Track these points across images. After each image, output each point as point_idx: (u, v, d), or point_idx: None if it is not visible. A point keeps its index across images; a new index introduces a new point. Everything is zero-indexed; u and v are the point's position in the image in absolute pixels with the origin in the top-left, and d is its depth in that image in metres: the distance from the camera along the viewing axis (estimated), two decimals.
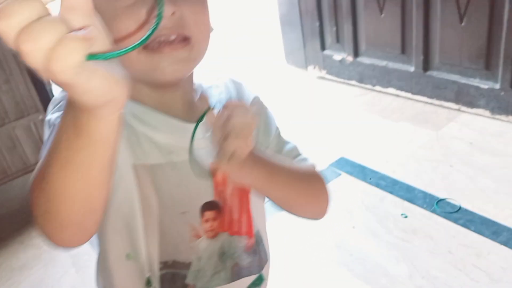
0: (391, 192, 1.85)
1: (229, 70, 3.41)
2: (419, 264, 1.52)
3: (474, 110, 2.23)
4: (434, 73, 2.33)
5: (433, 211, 1.72)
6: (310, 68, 3.00)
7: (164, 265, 0.67)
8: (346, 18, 2.62)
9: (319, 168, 0.77)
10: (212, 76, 0.75)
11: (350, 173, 2.02)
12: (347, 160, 2.11)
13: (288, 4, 2.98)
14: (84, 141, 0.40)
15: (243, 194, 0.72)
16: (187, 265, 0.68)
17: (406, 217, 1.72)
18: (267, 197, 0.70)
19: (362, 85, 2.71)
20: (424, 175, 1.91)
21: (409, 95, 2.48)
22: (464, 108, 2.26)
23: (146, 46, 0.56)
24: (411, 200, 1.79)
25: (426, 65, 2.35)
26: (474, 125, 2.17)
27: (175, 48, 0.58)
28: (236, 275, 0.73)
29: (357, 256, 1.60)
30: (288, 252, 1.67)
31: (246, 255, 0.73)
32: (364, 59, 2.64)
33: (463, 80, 2.22)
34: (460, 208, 1.71)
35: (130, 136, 0.62)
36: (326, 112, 2.56)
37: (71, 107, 0.39)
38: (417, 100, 2.45)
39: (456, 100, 2.27)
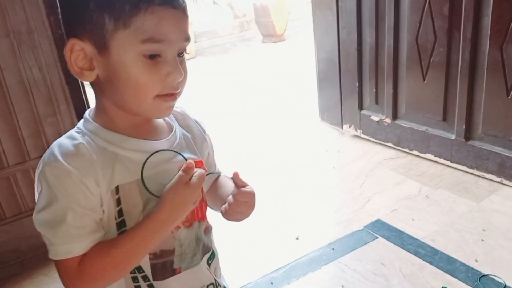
0: (430, 263, 1.78)
1: (260, 122, 3.43)
2: None
3: None
4: (476, 143, 2.29)
5: (476, 287, 1.64)
6: (346, 126, 3.00)
7: (154, 255, 0.82)
8: (387, 80, 2.63)
9: None
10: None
11: (387, 238, 1.96)
12: (384, 223, 2.06)
13: (328, 62, 3.01)
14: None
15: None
16: (172, 252, 0.84)
17: None
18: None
19: (399, 148, 2.68)
20: (466, 247, 1.84)
21: (448, 162, 2.44)
22: (506, 182, 2.21)
23: (157, 95, 0.77)
24: (452, 273, 1.72)
25: (468, 134, 2.32)
26: None
27: (173, 99, 0.79)
28: (204, 253, 0.90)
29: None
30: None
31: (205, 236, 0.91)
32: (403, 122, 2.63)
33: (507, 152, 2.17)
34: (505, 286, 1.63)
35: (114, 162, 0.77)
36: (361, 172, 2.52)
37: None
38: (456, 169, 2.40)
39: (499, 173, 2.22)
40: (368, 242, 1.95)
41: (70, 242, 0.73)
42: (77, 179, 0.72)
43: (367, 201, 2.25)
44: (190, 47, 5.79)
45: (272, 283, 1.78)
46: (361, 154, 2.74)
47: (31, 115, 1.93)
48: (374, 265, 1.81)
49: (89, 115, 0.82)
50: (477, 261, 1.76)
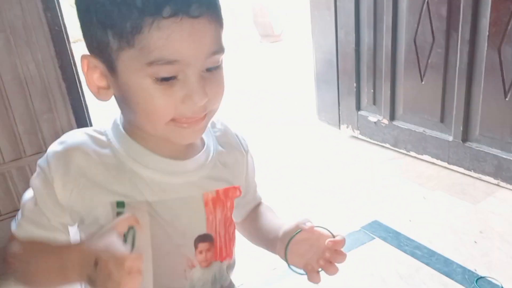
0: (427, 264, 1.78)
1: (260, 124, 3.42)
2: None
3: None
4: (473, 145, 2.29)
5: None
6: (343, 127, 2.99)
7: None
8: (385, 81, 2.62)
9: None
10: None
11: (384, 239, 1.95)
12: (381, 224, 2.05)
13: (326, 62, 3.01)
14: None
15: (226, 220, 0.79)
16: None
17: None
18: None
19: (396, 149, 2.68)
20: (463, 249, 1.84)
21: (445, 164, 2.43)
22: (503, 184, 2.20)
23: (174, 119, 0.66)
24: (449, 275, 1.71)
25: (465, 136, 2.31)
26: None
27: (196, 123, 0.68)
28: None
29: None
30: None
31: (226, 276, 0.83)
32: (400, 123, 2.62)
33: (503, 154, 2.17)
34: None
35: (128, 177, 0.70)
36: (358, 172, 2.52)
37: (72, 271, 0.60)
38: (453, 170, 2.40)
39: (495, 175, 2.22)
40: (365, 243, 1.94)
41: (24, 224, 0.72)
42: (53, 182, 0.69)
43: (363, 202, 2.24)
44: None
45: (268, 284, 1.77)
46: (358, 155, 2.74)
47: (27, 111, 1.91)
48: (371, 266, 1.80)
49: (119, 119, 0.76)
50: (474, 263, 1.76)
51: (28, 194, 0.73)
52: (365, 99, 2.81)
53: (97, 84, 0.68)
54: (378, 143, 2.78)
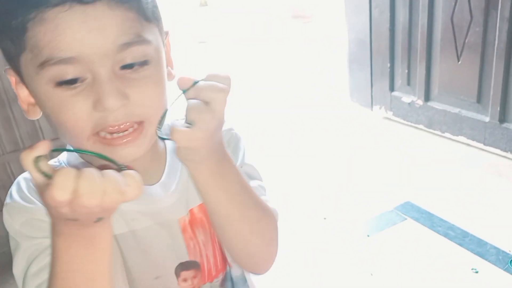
0: (460, 244, 1.77)
1: (292, 102, 3.42)
2: None
3: None
4: (510, 126, 2.24)
5: (507, 270, 1.62)
6: (376, 108, 2.97)
7: None
8: (420, 61, 2.58)
9: (278, 213, 0.69)
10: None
11: (417, 219, 1.95)
12: (413, 205, 2.04)
13: (359, 42, 2.98)
14: (94, 249, 0.48)
15: (213, 236, 0.68)
16: None
17: (477, 272, 1.63)
18: (217, 220, 0.62)
19: (431, 130, 2.64)
20: (497, 230, 1.82)
21: (481, 145, 2.39)
22: None
23: (98, 135, 0.54)
24: (482, 256, 1.70)
25: (503, 117, 2.26)
26: None
27: (128, 138, 0.55)
28: None
29: None
30: None
31: None
32: (435, 104, 2.58)
33: None
34: None
35: None
36: (391, 154, 2.50)
37: (77, 223, 0.44)
38: (489, 152, 2.36)
39: None
40: (397, 223, 1.94)
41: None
42: (38, 214, 0.58)
43: (396, 183, 2.23)
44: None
45: (298, 263, 1.80)
46: (391, 136, 2.72)
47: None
48: (403, 246, 1.81)
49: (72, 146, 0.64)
50: (508, 244, 1.74)
51: (16, 264, 0.59)
52: (399, 79, 2.77)
53: (28, 101, 0.58)
54: (412, 124, 2.75)
